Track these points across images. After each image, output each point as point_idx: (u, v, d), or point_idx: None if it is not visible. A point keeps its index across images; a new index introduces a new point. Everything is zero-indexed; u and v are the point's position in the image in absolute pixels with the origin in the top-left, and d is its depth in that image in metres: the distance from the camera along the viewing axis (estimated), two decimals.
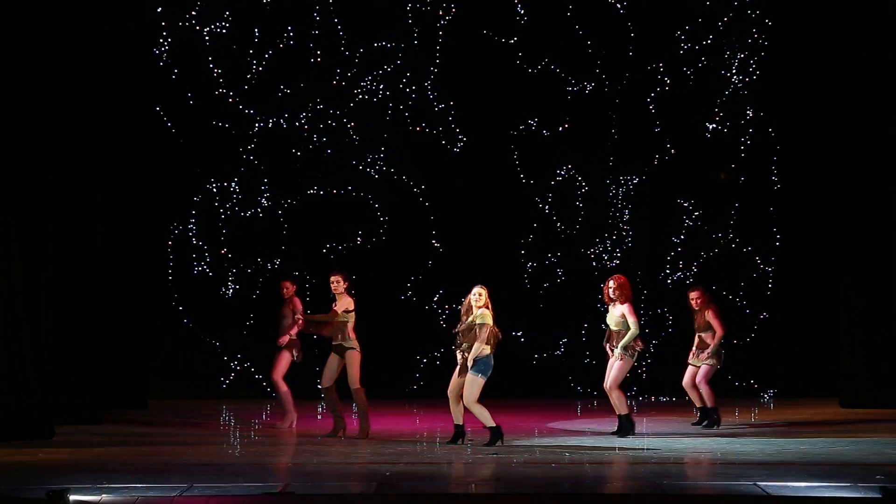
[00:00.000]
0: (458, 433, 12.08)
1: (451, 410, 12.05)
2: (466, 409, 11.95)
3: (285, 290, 13.81)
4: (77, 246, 14.09)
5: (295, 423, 13.70)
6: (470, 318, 11.87)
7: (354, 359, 12.76)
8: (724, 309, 17.53)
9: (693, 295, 13.84)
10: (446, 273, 17.65)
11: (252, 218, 17.62)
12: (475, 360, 11.74)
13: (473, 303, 11.90)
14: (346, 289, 12.87)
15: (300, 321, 13.46)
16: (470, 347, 11.79)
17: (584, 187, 17.96)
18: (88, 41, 14.13)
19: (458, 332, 11.96)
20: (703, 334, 13.73)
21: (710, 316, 13.68)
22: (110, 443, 12.29)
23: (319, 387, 13.11)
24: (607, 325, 13.04)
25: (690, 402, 14.11)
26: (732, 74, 17.67)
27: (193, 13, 17.01)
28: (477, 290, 11.95)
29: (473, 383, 11.75)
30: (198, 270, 17.47)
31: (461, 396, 11.87)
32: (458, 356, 11.93)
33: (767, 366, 17.74)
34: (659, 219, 17.94)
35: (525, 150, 17.91)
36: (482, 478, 9.95)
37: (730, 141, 17.78)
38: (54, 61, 13.43)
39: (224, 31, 17.16)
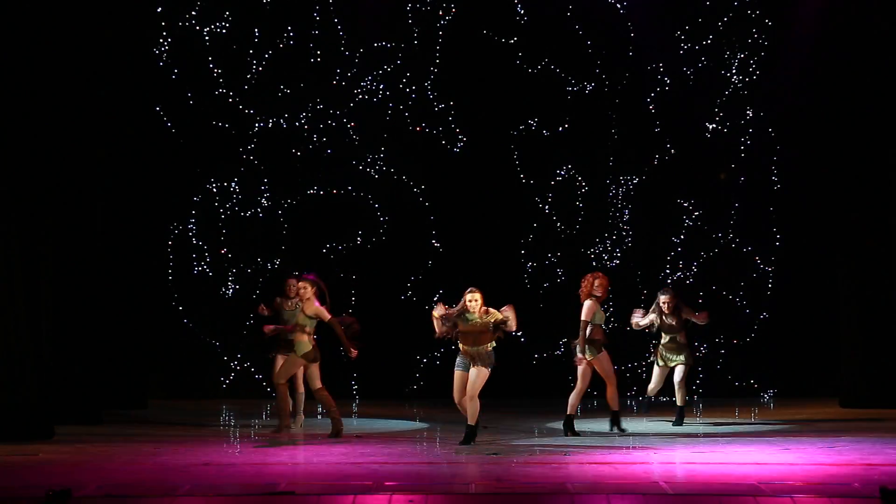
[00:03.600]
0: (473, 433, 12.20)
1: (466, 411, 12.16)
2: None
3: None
4: (77, 246, 14.09)
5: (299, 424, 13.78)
6: (473, 320, 11.94)
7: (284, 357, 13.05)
8: (724, 309, 17.71)
9: (665, 298, 13.92)
10: (446, 273, 17.66)
11: (252, 218, 17.63)
12: (487, 354, 11.93)
13: (475, 307, 11.98)
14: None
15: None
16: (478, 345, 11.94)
17: (584, 187, 17.97)
18: (88, 41, 14.13)
19: (460, 332, 12.01)
20: (677, 335, 13.81)
21: (687, 314, 13.88)
22: (110, 443, 12.29)
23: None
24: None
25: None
26: (732, 74, 17.68)
27: (193, 13, 17.02)
28: (475, 296, 12.04)
29: (484, 377, 11.94)
30: (198, 270, 17.47)
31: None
32: (466, 355, 12.06)
33: (767, 366, 17.75)
34: (659, 219, 17.95)
35: (525, 150, 17.92)
36: (482, 478, 9.94)
37: (730, 141, 17.79)
38: (54, 61, 13.43)
39: (224, 31, 17.17)
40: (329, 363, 17.43)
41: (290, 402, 13.56)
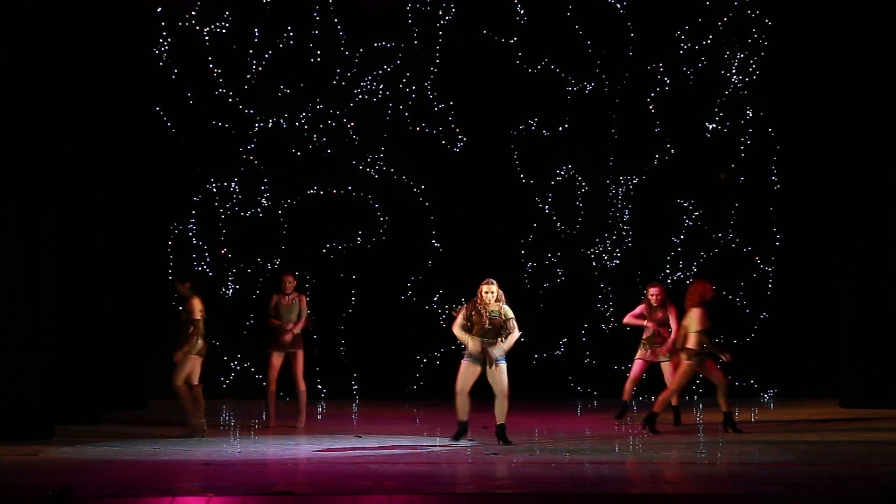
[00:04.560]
0: (464, 429, 12.26)
1: (462, 406, 12.17)
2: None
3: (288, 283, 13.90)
4: (77, 246, 14.09)
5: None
6: (493, 313, 11.96)
7: (178, 358, 12.82)
8: (724, 309, 17.72)
9: (654, 291, 13.95)
10: (446, 273, 17.67)
11: (252, 218, 17.63)
12: (500, 348, 12.01)
13: (491, 299, 11.97)
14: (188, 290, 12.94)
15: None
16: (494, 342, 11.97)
17: (584, 187, 17.97)
18: (88, 41, 14.13)
19: (478, 326, 11.99)
20: (661, 330, 13.92)
21: (671, 314, 13.89)
22: (110, 443, 12.29)
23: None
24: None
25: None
26: (732, 74, 17.68)
27: (193, 13, 17.02)
28: (492, 287, 12.02)
29: (505, 370, 12.04)
30: (198, 270, 17.46)
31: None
32: (477, 348, 12.00)
33: (767, 366, 17.75)
34: (659, 219, 17.95)
35: (525, 150, 17.92)
36: (482, 478, 9.94)
37: (730, 141, 17.79)
38: (54, 61, 13.43)
39: (224, 31, 17.17)
40: (329, 363, 17.52)
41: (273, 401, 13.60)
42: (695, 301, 13.02)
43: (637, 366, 14.12)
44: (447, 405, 12.17)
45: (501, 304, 12.11)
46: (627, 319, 14.21)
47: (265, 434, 13.21)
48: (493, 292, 12.05)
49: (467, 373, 12.11)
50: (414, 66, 17.63)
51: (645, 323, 14.02)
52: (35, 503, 8.48)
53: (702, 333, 12.89)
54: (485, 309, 12.02)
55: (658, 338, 13.98)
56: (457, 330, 12.17)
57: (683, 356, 12.98)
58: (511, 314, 12.11)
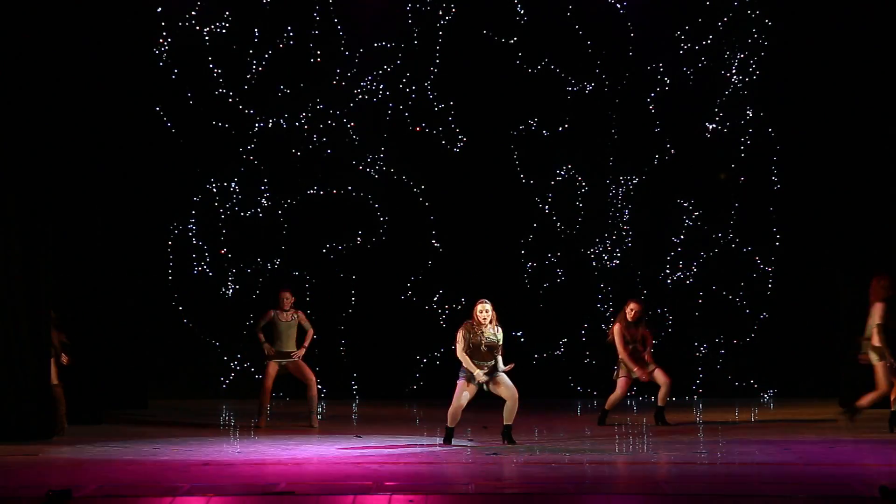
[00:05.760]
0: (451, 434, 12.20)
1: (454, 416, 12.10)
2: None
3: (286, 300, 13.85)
4: (77, 246, 14.09)
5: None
6: (489, 337, 11.91)
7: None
8: (725, 309, 17.74)
9: (633, 306, 13.87)
10: (446, 273, 17.67)
11: (252, 218, 17.64)
12: (497, 364, 11.93)
13: (486, 318, 11.91)
14: None
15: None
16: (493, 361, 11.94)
17: (584, 187, 17.98)
18: (88, 41, 14.13)
19: (476, 346, 11.94)
20: (636, 345, 13.81)
21: (643, 330, 13.88)
22: (110, 443, 12.29)
23: None
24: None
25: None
26: (732, 74, 17.68)
27: (193, 13, 17.02)
28: (486, 306, 11.95)
29: (509, 379, 11.97)
30: (198, 270, 17.48)
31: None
32: (479, 370, 11.92)
33: (767, 366, 17.75)
34: (659, 219, 17.95)
35: (525, 150, 17.92)
36: (482, 478, 9.94)
37: (730, 141, 17.80)
38: (55, 61, 13.42)
39: (224, 31, 17.17)
40: (329, 363, 17.52)
41: None
42: (878, 296, 12.86)
43: (622, 383, 13.87)
44: (447, 405, 12.14)
45: (495, 324, 12.01)
46: (626, 358, 13.79)
47: (265, 434, 13.21)
48: (487, 311, 11.94)
49: (464, 393, 11.99)
50: (414, 66, 17.64)
51: (636, 370, 13.81)
52: (35, 503, 8.48)
53: (880, 328, 12.76)
54: (480, 330, 11.92)
55: (635, 354, 13.85)
56: (461, 355, 11.99)
57: (874, 356, 12.82)
58: (500, 338, 11.97)
